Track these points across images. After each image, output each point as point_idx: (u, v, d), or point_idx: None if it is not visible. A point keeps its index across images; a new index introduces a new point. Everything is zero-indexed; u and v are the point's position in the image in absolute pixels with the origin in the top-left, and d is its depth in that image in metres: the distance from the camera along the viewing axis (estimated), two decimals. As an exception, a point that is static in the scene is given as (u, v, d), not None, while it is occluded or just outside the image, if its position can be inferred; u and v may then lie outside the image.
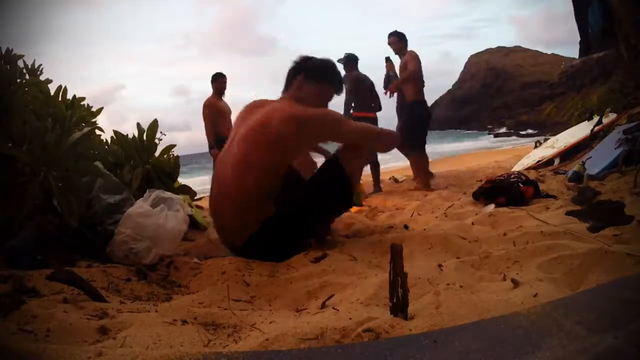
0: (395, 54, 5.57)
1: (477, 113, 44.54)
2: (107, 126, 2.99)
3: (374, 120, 5.56)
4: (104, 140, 2.97)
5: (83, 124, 2.61)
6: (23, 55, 2.51)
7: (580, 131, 5.99)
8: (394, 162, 12.34)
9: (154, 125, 2.90)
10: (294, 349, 1.01)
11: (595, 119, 5.86)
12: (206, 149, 6.11)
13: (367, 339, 1.02)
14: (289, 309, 1.54)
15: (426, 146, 5.62)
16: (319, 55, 2.46)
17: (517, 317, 0.99)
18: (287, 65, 2.45)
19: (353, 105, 5.67)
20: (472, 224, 2.53)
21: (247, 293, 1.68)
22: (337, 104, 5.95)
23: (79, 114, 2.67)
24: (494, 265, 1.73)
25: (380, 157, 5.78)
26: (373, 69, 6.03)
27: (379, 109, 5.97)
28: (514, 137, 29.27)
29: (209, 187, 2.41)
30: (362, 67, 5.85)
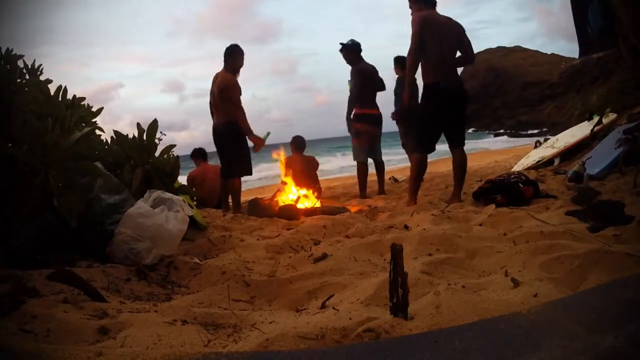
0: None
1: (477, 113, 44.48)
2: (100, 125, 2.97)
3: (375, 117, 5.18)
4: (104, 140, 2.97)
5: (83, 124, 2.61)
6: (23, 55, 2.51)
7: (580, 131, 5.99)
8: (395, 164, 12.34)
9: (154, 125, 2.89)
10: (294, 349, 1.01)
11: (595, 119, 5.87)
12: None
13: (367, 339, 1.02)
14: (289, 309, 1.54)
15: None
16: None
17: (517, 317, 0.98)
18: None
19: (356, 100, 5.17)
20: (480, 224, 2.53)
21: (247, 293, 1.68)
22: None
23: (79, 114, 2.67)
24: (494, 265, 1.73)
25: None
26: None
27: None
28: (513, 137, 29.29)
29: None
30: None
